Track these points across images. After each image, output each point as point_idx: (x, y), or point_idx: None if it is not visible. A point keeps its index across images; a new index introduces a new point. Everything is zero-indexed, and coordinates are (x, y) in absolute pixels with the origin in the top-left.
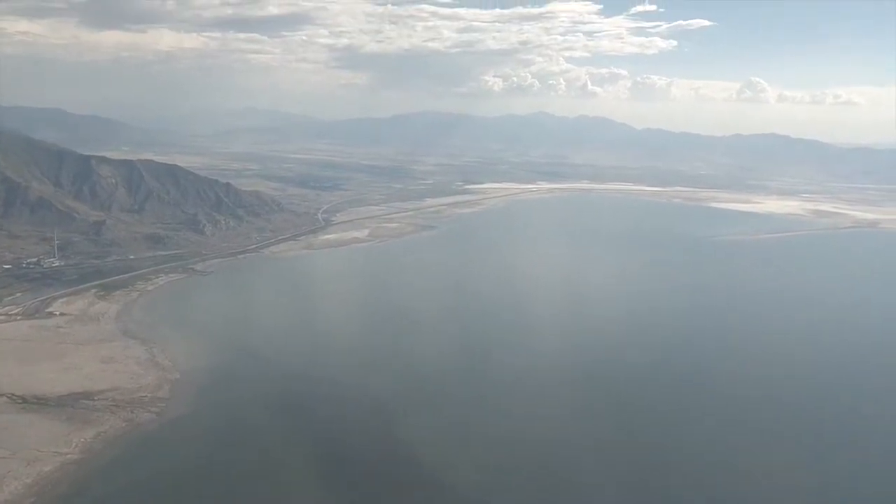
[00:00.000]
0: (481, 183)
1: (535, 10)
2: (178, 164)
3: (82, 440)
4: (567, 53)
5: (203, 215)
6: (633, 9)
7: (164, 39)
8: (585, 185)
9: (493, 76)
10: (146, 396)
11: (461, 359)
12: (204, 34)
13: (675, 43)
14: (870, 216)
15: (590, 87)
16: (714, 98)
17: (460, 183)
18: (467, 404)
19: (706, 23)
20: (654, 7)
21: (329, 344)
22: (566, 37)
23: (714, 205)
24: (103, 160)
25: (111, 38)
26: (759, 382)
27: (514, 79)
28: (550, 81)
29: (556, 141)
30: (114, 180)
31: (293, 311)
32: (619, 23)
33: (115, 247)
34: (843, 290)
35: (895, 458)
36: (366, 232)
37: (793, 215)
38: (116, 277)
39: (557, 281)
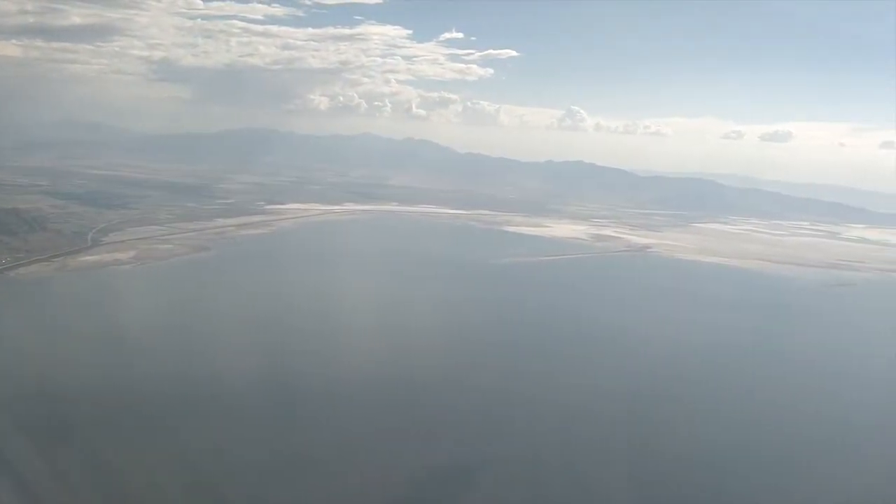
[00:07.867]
0: (285, 203)
1: (348, 31)
2: None
3: None
4: (394, 76)
5: None
6: (442, 36)
7: None
8: (393, 206)
9: (320, 95)
10: None
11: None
12: (24, 41)
13: (491, 71)
14: (644, 241)
15: (415, 109)
16: (538, 125)
17: (262, 203)
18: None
19: (514, 53)
20: (461, 35)
21: (32, 374)
22: (385, 59)
23: (507, 228)
24: None
25: None
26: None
27: (341, 98)
28: (376, 102)
29: (379, 162)
30: None
31: (10, 338)
32: (433, 49)
33: None
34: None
35: None
36: (132, 254)
37: (575, 239)
38: None
39: (291, 306)
